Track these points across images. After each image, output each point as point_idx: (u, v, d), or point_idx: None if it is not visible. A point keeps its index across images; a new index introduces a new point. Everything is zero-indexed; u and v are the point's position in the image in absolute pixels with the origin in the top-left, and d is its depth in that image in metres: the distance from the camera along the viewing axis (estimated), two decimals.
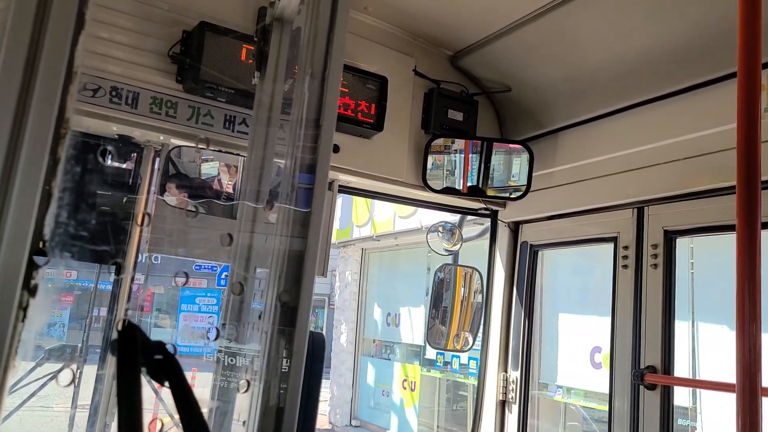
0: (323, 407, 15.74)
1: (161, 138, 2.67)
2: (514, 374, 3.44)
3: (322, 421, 15.09)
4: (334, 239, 14.62)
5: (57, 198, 0.78)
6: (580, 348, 8.11)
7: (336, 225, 14.62)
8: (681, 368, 6.80)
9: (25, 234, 0.74)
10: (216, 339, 1.27)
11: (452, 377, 12.13)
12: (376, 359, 14.43)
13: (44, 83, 0.77)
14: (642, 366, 2.70)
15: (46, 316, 0.79)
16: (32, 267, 0.75)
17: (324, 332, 29.05)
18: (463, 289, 3.62)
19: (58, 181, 0.78)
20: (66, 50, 0.79)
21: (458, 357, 11.35)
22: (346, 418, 14.50)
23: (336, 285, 16.27)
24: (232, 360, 1.24)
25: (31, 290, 0.75)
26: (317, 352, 1.62)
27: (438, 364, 12.35)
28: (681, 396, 6.91)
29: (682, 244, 2.73)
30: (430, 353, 12.18)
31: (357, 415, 14.56)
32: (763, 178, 1.74)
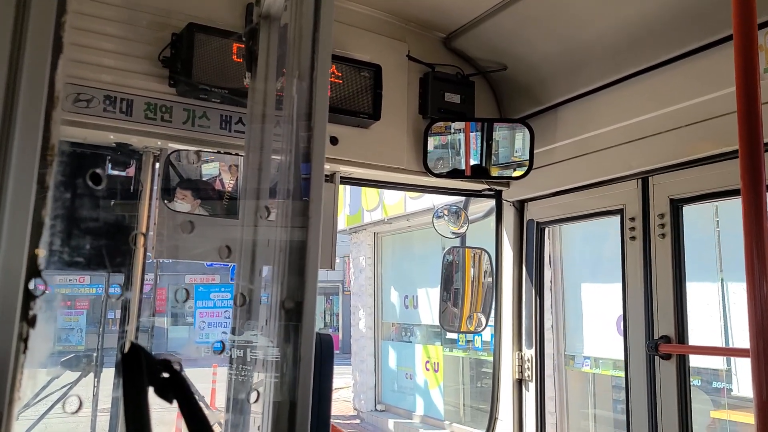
0: (347, 394, 15.82)
1: (159, 143, 2.67)
2: (529, 352, 3.45)
3: (346, 407, 15.17)
4: (345, 225, 14.58)
5: (49, 226, 0.77)
6: (605, 317, 8.07)
7: (346, 211, 14.56)
8: (713, 332, 6.74)
9: (18, 266, 0.74)
10: (222, 352, 1.27)
11: (475, 355, 12.13)
12: (396, 343, 14.40)
13: (25, 111, 0.76)
14: (656, 336, 2.69)
15: (50, 344, 0.79)
16: (29, 298, 0.75)
17: (340, 318, 29.09)
18: (472, 270, 3.61)
19: (48, 209, 0.78)
20: (45, 76, 0.78)
21: (480, 335, 11.35)
22: (370, 404, 14.50)
23: (350, 271, 16.23)
24: (241, 370, 1.24)
25: (30, 321, 0.74)
26: (326, 353, 1.61)
27: (460, 343, 12.32)
28: (715, 358, 6.87)
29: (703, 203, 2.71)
30: (452, 333, 12.15)
31: (381, 400, 14.56)
32: (766, 140, 1.72)
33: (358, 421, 14.43)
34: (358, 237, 15.07)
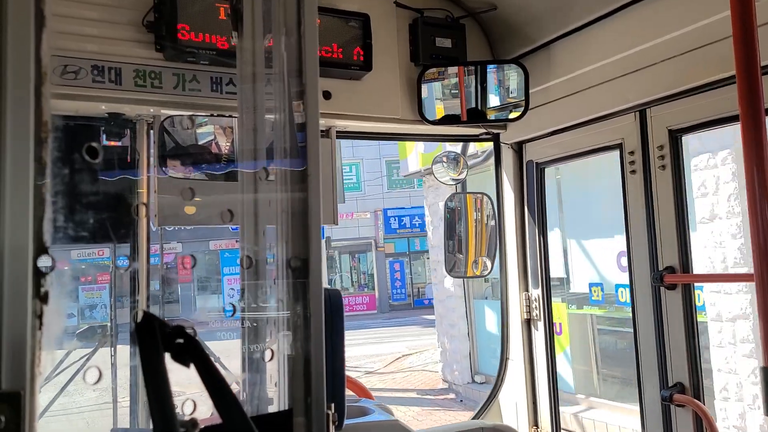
0: (415, 361, 14.00)
1: (151, 110, 2.65)
2: (536, 292, 3.49)
3: (434, 379, 13.05)
4: (419, 166, 12.90)
5: (51, 203, 0.77)
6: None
7: (419, 148, 12.76)
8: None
9: (25, 245, 0.74)
10: (233, 315, 1.29)
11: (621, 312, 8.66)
12: (492, 301, 11.66)
13: (14, 91, 0.75)
14: (660, 268, 2.71)
15: (64, 319, 0.80)
16: (39, 275, 0.75)
17: (376, 277, 28.18)
18: (475, 214, 3.63)
19: (48, 185, 0.77)
20: (31, 53, 0.76)
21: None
22: (466, 375, 11.92)
23: (428, 220, 13.65)
24: (254, 331, 1.26)
25: (42, 298, 0.75)
26: (335, 308, 1.64)
27: (594, 298, 8.61)
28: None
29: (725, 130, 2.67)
30: (580, 286, 8.83)
31: (479, 370, 11.85)
32: (762, 63, 1.70)
33: (452, 395, 12.00)
34: (434, 180, 12.46)
